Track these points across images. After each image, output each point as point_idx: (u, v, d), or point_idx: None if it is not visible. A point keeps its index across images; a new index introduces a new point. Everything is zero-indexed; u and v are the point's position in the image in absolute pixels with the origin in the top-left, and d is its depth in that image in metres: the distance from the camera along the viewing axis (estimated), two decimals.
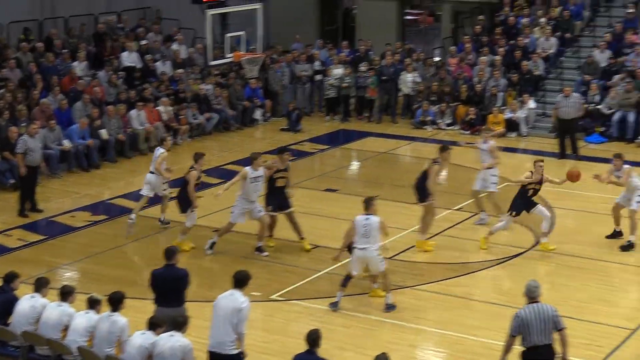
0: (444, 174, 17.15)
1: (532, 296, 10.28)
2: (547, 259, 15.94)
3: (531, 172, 16.00)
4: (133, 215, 17.00)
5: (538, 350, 10.15)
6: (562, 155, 22.68)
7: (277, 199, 16.18)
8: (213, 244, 15.88)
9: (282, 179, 16.16)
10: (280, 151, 16.47)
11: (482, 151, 17.62)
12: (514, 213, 15.99)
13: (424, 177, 16.20)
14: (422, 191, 16.17)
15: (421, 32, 36.31)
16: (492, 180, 17.45)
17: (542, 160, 16.07)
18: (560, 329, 10.20)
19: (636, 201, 16.23)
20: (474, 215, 18.07)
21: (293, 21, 31.83)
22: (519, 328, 10.16)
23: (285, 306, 14.09)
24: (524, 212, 16.05)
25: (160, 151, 17.17)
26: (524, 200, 16.00)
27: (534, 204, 16.08)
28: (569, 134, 22.84)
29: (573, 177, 16.53)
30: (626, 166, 16.47)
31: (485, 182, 17.51)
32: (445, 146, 16.70)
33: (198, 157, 16.35)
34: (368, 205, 13.60)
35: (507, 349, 10.30)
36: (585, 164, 22.26)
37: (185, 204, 16.15)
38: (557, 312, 10.23)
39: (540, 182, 15.96)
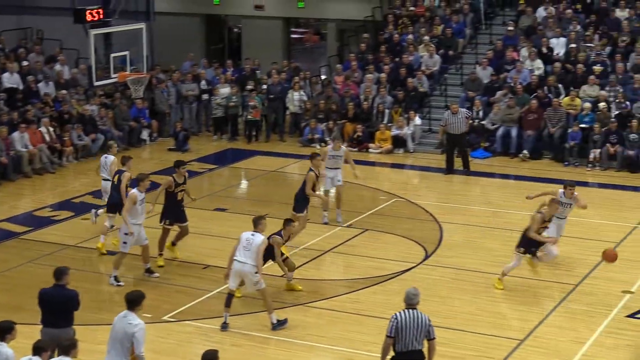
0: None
1: (410, 302, 10.50)
2: (437, 273, 16.14)
3: (541, 211, 15.11)
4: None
5: (409, 355, 10.35)
6: (449, 170, 23.06)
7: (175, 212, 16.19)
8: (115, 276, 15.48)
9: (182, 192, 16.25)
10: (176, 165, 16.42)
11: (335, 157, 18.70)
12: (522, 250, 15.04)
13: (303, 187, 17.02)
14: (299, 201, 16.97)
15: (307, 51, 36.62)
16: (339, 178, 18.70)
17: (560, 203, 15.34)
18: (431, 339, 10.45)
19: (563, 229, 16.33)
20: (365, 231, 18.24)
21: (179, 41, 31.62)
22: (395, 330, 10.33)
23: (177, 327, 13.90)
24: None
25: (110, 158, 17.62)
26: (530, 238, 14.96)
27: (543, 243, 15.05)
28: (460, 149, 23.23)
29: (611, 257, 14.87)
30: (576, 193, 16.11)
31: (333, 181, 18.67)
32: (315, 153, 17.74)
33: (126, 160, 16.83)
34: (256, 223, 13.68)
35: (385, 350, 10.48)
36: (472, 178, 22.76)
37: (116, 205, 16.35)
38: (430, 321, 10.47)
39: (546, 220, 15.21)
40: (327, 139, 25.62)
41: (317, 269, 16.33)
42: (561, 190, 16.04)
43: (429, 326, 10.41)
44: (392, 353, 10.50)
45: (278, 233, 14.72)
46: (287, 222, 14.99)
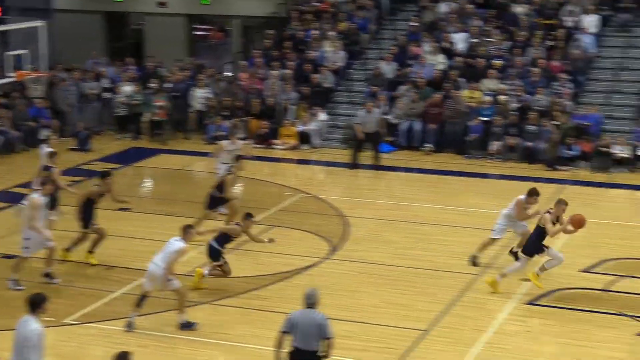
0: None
1: (307, 302, 10.57)
2: (344, 267, 16.24)
3: (549, 211, 14.65)
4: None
5: (301, 354, 10.41)
6: (354, 165, 23.22)
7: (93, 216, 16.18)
8: (15, 280, 15.13)
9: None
10: (103, 175, 16.51)
11: (232, 151, 19.02)
12: (527, 254, 14.81)
13: (219, 187, 17.33)
14: (214, 201, 17.38)
15: (211, 48, 36.38)
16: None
17: (566, 203, 14.72)
18: (326, 338, 10.41)
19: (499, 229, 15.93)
20: (271, 227, 18.24)
21: (80, 38, 31.07)
22: (288, 327, 10.45)
23: (79, 330, 13.64)
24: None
25: (45, 150, 17.61)
26: (540, 242, 14.72)
27: (547, 247, 14.78)
28: (373, 146, 23.41)
29: (580, 223, 14.46)
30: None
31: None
32: (240, 156, 18.11)
33: (53, 155, 17.15)
34: (182, 231, 13.61)
35: (277, 344, 10.57)
36: (377, 173, 22.97)
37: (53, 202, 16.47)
38: (326, 320, 10.43)
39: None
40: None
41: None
42: (523, 197, 15.66)
43: (323, 325, 10.38)
44: (291, 349, 10.56)
45: (237, 224, 15.14)
46: (248, 215, 15.13)
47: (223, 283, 15.45)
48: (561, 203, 14.73)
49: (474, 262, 16.09)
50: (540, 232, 14.64)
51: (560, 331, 13.66)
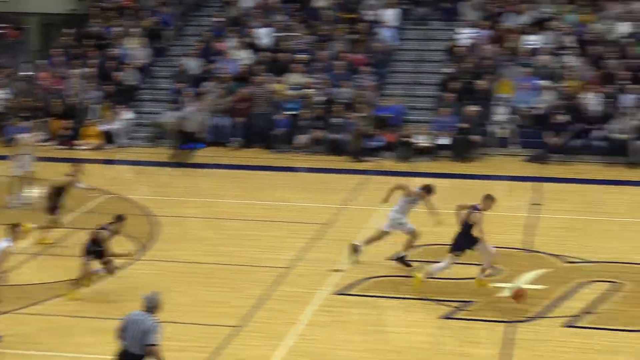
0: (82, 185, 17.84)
1: (146, 306, 10.35)
2: (155, 267, 16.01)
3: (477, 207, 14.42)
4: None
5: (127, 356, 10.22)
6: (180, 164, 22.96)
7: None
8: None
9: None
10: None
11: (31, 146, 19.52)
12: (457, 253, 14.55)
13: (58, 191, 17.12)
14: (59, 206, 17.20)
15: (8, 47, 35.04)
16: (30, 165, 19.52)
17: (494, 199, 14.50)
18: (147, 345, 10.14)
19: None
20: (78, 230, 17.74)
21: None
22: (121, 328, 10.29)
23: None
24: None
25: None
26: (467, 238, 14.50)
27: (476, 240, 14.49)
28: (189, 144, 23.19)
29: (520, 298, 14.24)
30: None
31: (25, 165, 19.41)
32: (77, 163, 17.84)
33: None
34: (11, 230, 12.98)
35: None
36: (185, 170, 22.79)
37: None
38: (153, 327, 10.15)
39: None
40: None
41: (26, 272, 15.64)
42: (418, 189, 15.88)
43: (148, 331, 10.11)
44: (120, 350, 10.35)
45: (104, 227, 14.51)
46: (119, 217, 14.68)
47: (25, 290, 14.87)
48: (488, 199, 14.49)
49: (401, 260, 15.82)
50: (468, 227, 14.43)
51: (369, 319, 13.96)
